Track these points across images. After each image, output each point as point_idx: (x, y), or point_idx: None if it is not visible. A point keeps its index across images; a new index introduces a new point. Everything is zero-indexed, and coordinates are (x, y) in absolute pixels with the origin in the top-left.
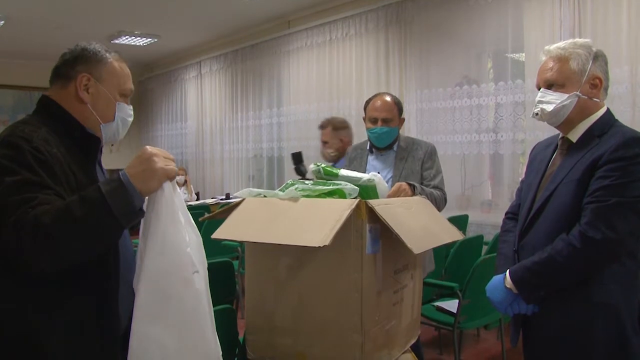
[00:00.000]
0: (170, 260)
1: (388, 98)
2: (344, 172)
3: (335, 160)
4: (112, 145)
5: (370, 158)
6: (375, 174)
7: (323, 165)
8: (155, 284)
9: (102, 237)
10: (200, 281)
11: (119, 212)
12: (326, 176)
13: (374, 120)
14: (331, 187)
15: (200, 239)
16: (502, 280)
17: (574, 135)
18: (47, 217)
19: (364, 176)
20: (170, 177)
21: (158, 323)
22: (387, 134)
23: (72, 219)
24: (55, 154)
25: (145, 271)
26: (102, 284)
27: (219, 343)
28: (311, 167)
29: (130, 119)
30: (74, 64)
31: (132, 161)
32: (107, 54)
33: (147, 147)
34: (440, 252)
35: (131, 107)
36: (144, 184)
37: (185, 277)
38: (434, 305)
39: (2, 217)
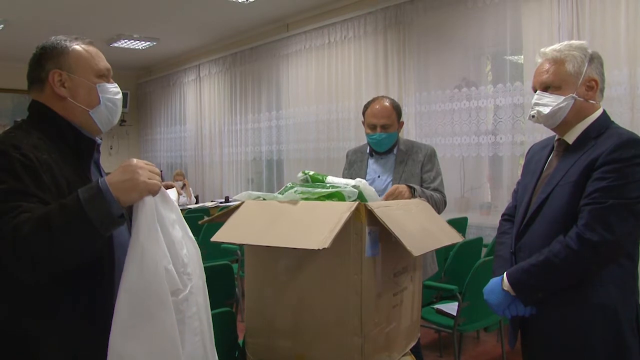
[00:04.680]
0: (147, 278)
1: (386, 103)
2: (330, 179)
3: None
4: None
5: (371, 161)
6: (360, 180)
7: (311, 173)
8: (132, 300)
9: (81, 245)
10: (199, 295)
11: (96, 219)
12: (314, 184)
13: (373, 127)
14: (330, 189)
15: (199, 251)
16: (500, 283)
17: (571, 137)
18: (27, 226)
19: (350, 182)
20: (152, 192)
21: (133, 341)
22: (386, 139)
23: (50, 228)
24: (45, 160)
25: (124, 286)
26: (96, 287)
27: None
28: (299, 175)
29: (118, 97)
30: (41, 65)
31: (115, 170)
32: (69, 43)
33: (133, 159)
34: (440, 255)
35: (115, 85)
36: (124, 194)
37: (162, 298)
38: (433, 308)
39: None
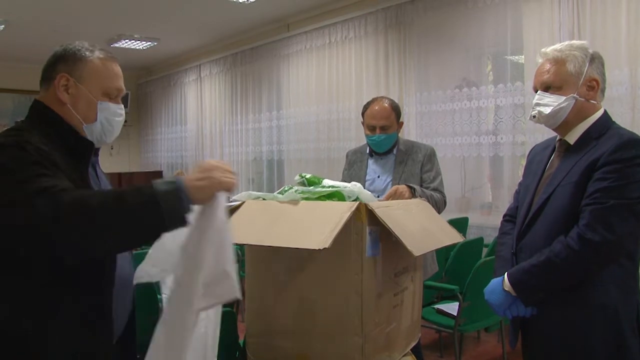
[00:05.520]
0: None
1: (385, 104)
2: (326, 182)
3: None
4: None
5: (370, 162)
6: (355, 183)
7: (308, 176)
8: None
9: (142, 234)
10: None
11: (167, 214)
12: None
13: (372, 128)
14: (330, 189)
15: None
16: (501, 283)
17: (572, 138)
18: (95, 199)
19: (346, 185)
20: (226, 189)
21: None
22: (385, 140)
23: (122, 206)
24: (53, 158)
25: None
26: (96, 288)
27: None
28: (296, 178)
29: (119, 119)
30: (55, 65)
31: (192, 170)
32: (89, 53)
33: (210, 160)
34: (441, 255)
35: (121, 107)
36: (199, 191)
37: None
38: (434, 308)
39: (15, 212)
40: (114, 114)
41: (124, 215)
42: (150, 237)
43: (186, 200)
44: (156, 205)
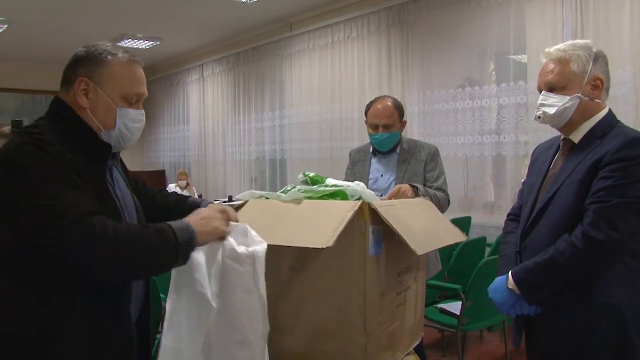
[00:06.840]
0: None
1: (388, 102)
2: (330, 181)
3: None
4: None
5: (373, 160)
6: (359, 182)
7: (311, 175)
8: None
9: (156, 271)
10: None
11: (181, 258)
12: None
13: (375, 127)
14: (333, 188)
15: None
16: (505, 282)
17: (576, 137)
18: (126, 235)
19: (350, 185)
20: (221, 237)
21: None
22: (388, 139)
23: (150, 246)
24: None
25: None
26: (115, 291)
27: None
28: (299, 177)
29: (138, 125)
30: (76, 68)
31: (196, 216)
32: (111, 57)
33: (213, 207)
34: (444, 254)
35: (142, 112)
36: (203, 237)
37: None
38: (437, 307)
39: (53, 217)
40: (134, 120)
41: (149, 254)
42: (159, 274)
43: (195, 246)
44: (175, 252)
